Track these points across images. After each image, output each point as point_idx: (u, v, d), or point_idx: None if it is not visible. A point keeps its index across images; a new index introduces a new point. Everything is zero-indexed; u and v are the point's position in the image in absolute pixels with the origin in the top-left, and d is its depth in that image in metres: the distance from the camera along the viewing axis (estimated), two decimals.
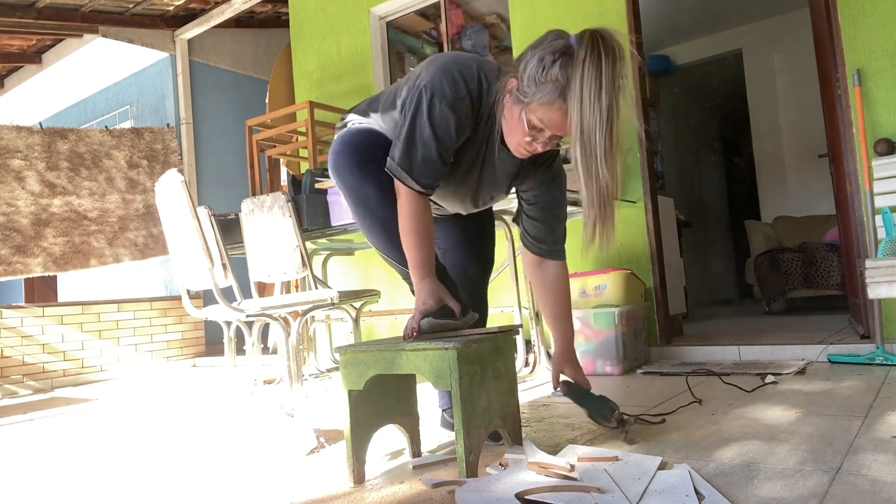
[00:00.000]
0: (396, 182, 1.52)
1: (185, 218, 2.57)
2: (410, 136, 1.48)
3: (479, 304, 1.94)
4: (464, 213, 1.85)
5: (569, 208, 3.11)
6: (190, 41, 5.73)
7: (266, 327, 4.86)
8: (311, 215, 3.17)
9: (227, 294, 2.68)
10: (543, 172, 1.69)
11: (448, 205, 1.79)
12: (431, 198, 1.70)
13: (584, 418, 1.87)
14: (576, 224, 3.52)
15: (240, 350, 3.29)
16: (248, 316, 2.65)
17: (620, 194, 1.32)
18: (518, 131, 1.45)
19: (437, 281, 1.53)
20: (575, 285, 3.08)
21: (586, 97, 1.30)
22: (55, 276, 6.94)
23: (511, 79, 1.43)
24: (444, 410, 1.94)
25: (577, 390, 1.77)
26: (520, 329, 1.63)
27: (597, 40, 1.33)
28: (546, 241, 1.75)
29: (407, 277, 1.65)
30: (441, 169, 1.51)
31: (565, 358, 1.80)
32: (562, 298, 1.80)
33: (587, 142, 1.31)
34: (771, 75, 6.30)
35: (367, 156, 1.61)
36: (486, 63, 1.54)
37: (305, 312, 2.72)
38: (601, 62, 1.30)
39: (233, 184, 5.91)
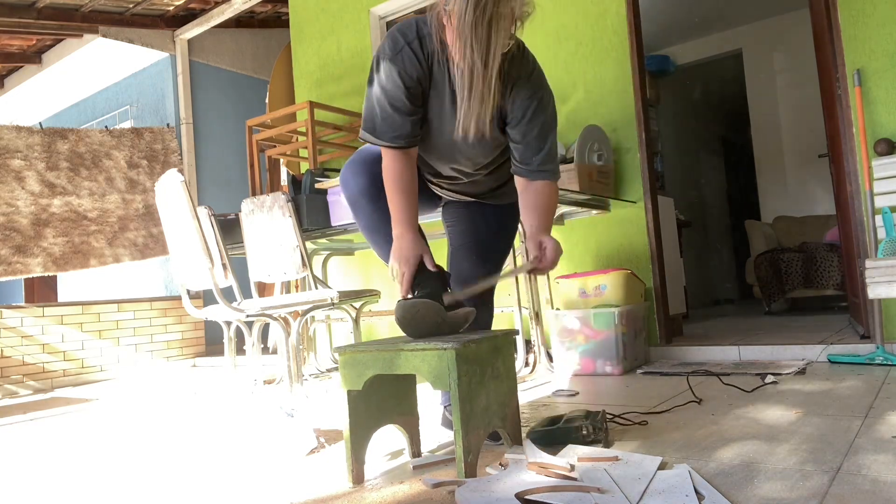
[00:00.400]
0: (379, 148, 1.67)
1: (185, 218, 2.57)
2: (368, 101, 1.63)
3: (483, 308, 1.92)
4: (470, 170, 1.80)
5: (568, 208, 3.13)
6: (190, 41, 5.73)
7: (266, 327, 4.86)
8: (311, 215, 3.17)
9: (227, 294, 2.68)
10: (519, 91, 1.65)
11: (445, 163, 1.79)
12: (431, 165, 1.81)
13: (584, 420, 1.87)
14: (575, 224, 3.52)
15: (240, 350, 3.29)
16: (248, 316, 2.65)
17: (489, 69, 1.31)
18: (458, 51, 1.48)
19: (418, 237, 1.61)
20: (575, 285, 3.08)
21: None
22: (55, 277, 6.94)
23: (439, 4, 1.50)
24: (445, 407, 1.94)
25: (541, 439, 1.63)
26: (519, 329, 1.63)
27: None
28: (530, 161, 1.67)
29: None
30: (402, 121, 1.61)
31: (541, 230, 1.64)
32: (541, 208, 1.67)
33: (460, 21, 1.40)
34: (771, 75, 6.30)
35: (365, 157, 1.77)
36: (430, 17, 1.58)
37: (305, 312, 2.72)
38: None
39: (233, 184, 5.91)
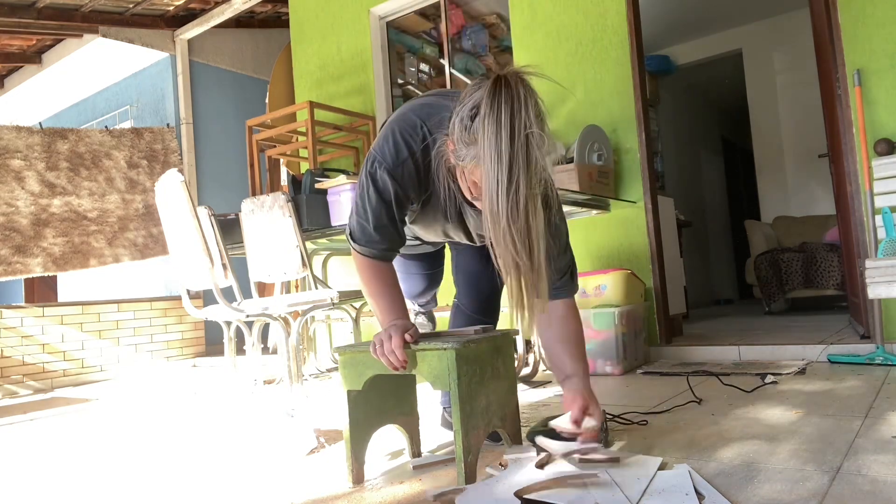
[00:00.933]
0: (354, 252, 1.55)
1: (185, 218, 2.57)
2: (361, 206, 1.49)
3: (490, 316, 1.95)
4: (475, 243, 1.74)
5: (568, 208, 3.12)
6: (190, 41, 5.73)
7: (266, 327, 4.86)
8: (311, 215, 3.17)
9: (227, 294, 2.68)
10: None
11: (438, 239, 1.76)
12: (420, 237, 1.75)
13: None
14: (575, 224, 3.52)
15: (240, 350, 3.29)
16: (248, 316, 2.65)
17: (535, 259, 1.15)
18: (467, 191, 1.39)
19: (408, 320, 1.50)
20: None
21: (488, 157, 1.21)
22: (55, 277, 6.94)
23: (448, 141, 1.37)
24: (444, 409, 1.94)
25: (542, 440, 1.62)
26: (519, 329, 1.63)
27: (498, 89, 1.22)
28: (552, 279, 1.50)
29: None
30: (393, 232, 1.50)
31: (586, 393, 1.51)
32: (571, 336, 1.54)
33: (491, 205, 1.22)
34: (771, 75, 6.30)
35: None
36: (433, 114, 1.46)
37: (305, 312, 2.72)
38: (500, 116, 1.20)
39: (233, 184, 5.91)
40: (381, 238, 1.50)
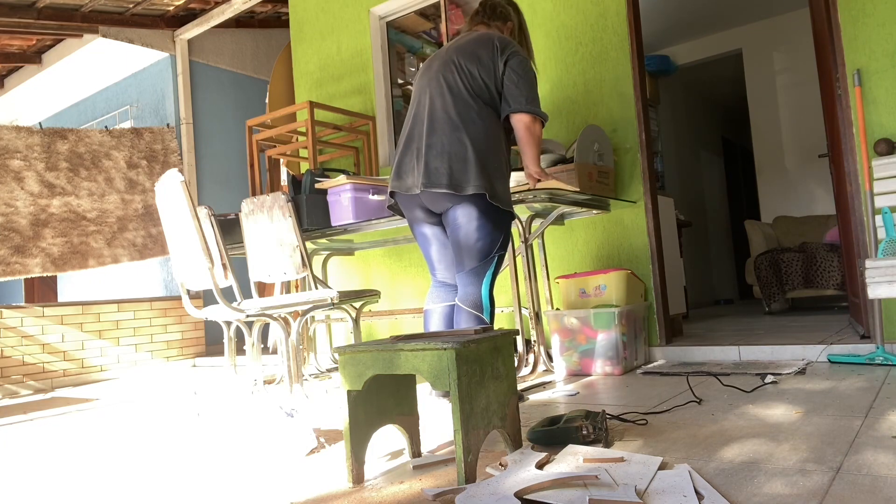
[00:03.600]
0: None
1: (185, 218, 2.57)
2: (533, 85, 2.29)
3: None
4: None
5: (568, 208, 3.12)
6: (190, 41, 5.74)
7: (266, 327, 4.85)
8: (311, 215, 3.17)
9: (227, 294, 2.67)
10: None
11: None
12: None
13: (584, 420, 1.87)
14: (575, 224, 3.52)
15: (240, 350, 3.29)
16: (248, 316, 2.65)
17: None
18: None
19: None
20: (575, 285, 3.08)
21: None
22: (55, 277, 6.94)
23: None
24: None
25: (541, 439, 1.65)
26: (519, 329, 1.63)
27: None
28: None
29: None
30: None
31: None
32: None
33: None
34: (771, 75, 6.30)
35: None
36: None
37: (305, 312, 2.72)
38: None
39: (233, 184, 5.91)
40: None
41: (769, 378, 2.36)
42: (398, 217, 2.90)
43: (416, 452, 1.65)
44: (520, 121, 2.21)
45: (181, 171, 5.54)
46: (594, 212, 3.37)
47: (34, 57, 5.85)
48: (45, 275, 4.85)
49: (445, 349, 1.35)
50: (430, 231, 2.33)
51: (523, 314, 3.21)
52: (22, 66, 6.06)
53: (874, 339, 2.64)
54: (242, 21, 6.06)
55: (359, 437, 1.50)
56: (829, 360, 2.70)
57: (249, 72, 6.21)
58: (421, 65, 2.43)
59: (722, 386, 2.33)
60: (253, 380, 3.22)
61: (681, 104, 7.12)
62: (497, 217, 2.18)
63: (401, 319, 4.13)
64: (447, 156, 2.13)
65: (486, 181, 2.11)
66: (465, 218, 2.14)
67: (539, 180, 2.39)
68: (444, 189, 2.11)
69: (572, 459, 1.45)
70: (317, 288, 3.00)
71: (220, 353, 5.42)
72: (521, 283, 3.54)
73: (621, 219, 3.38)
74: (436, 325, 2.30)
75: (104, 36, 5.24)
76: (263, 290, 5.16)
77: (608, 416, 1.81)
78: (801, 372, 2.52)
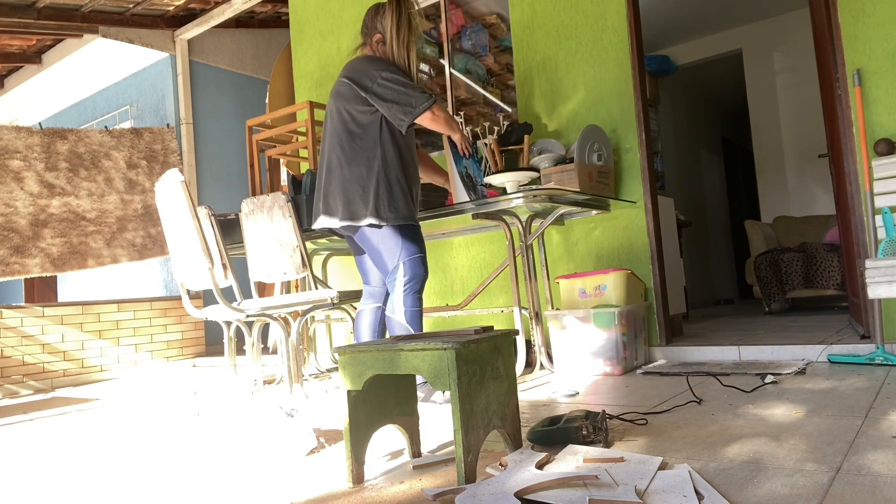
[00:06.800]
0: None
1: (185, 218, 2.57)
2: (402, 88, 2.40)
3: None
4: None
5: (568, 208, 3.13)
6: (190, 41, 5.73)
7: (266, 327, 4.85)
8: (311, 215, 3.16)
9: (227, 294, 2.67)
10: None
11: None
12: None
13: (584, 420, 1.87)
14: (575, 224, 3.52)
15: (240, 350, 3.29)
16: (248, 316, 2.65)
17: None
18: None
19: None
20: (575, 285, 3.08)
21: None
22: (55, 277, 6.94)
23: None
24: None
25: (541, 439, 1.66)
26: (519, 329, 1.63)
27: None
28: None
29: None
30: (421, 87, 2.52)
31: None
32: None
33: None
34: (771, 75, 6.31)
35: None
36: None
37: (305, 312, 2.72)
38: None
39: (233, 184, 5.91)
40: (422, 90, 2.38)
41: (769, 378, 2.36)
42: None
43: (416, 452, 1.65)
44: (421, 122, 2.44)
45: (181, 171, 5.54)
46: (594, 212, 3.37)
47: (34, 57, 5.85)
48: (44, 275, 4.85)
49: (445, 349, 1.35)
50: (353, 245, 2.64)
51: (523, 314, 3.21)
52: (22, 66, 6.06)
53: (874, 339, 2.64)
54: (242, 21, 6.06)
55: (359, 437, 1.50)
56: (829, 361, 2.70)
57: (249, 72, 6.21)
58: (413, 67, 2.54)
59: (722, 386, 2.33)
60: (253, 380, 3.22)
61: (681, 104, 7.12)
62: (391, 231, 2.40)
63: None
64: (334, 194, 2.44)
65: (367, 209, 2.38)
66: (363, 240, 2.44)
67: (471, 144, 2.80)
68: (340, 223, 2.42)
69: (572, 459, 1.45)
70: (317, 288, 3.00)
71: (220, 353, 5.42)
72: (520, 283, 3.53)
73: (621, 219, 3.38)
74: (365, 324, 2.59)
75: (104, 36, 5.24)
76: (263, 290, 5.16)
77: (608, 416, 1.81)
78: (802, 372, 2.52)
